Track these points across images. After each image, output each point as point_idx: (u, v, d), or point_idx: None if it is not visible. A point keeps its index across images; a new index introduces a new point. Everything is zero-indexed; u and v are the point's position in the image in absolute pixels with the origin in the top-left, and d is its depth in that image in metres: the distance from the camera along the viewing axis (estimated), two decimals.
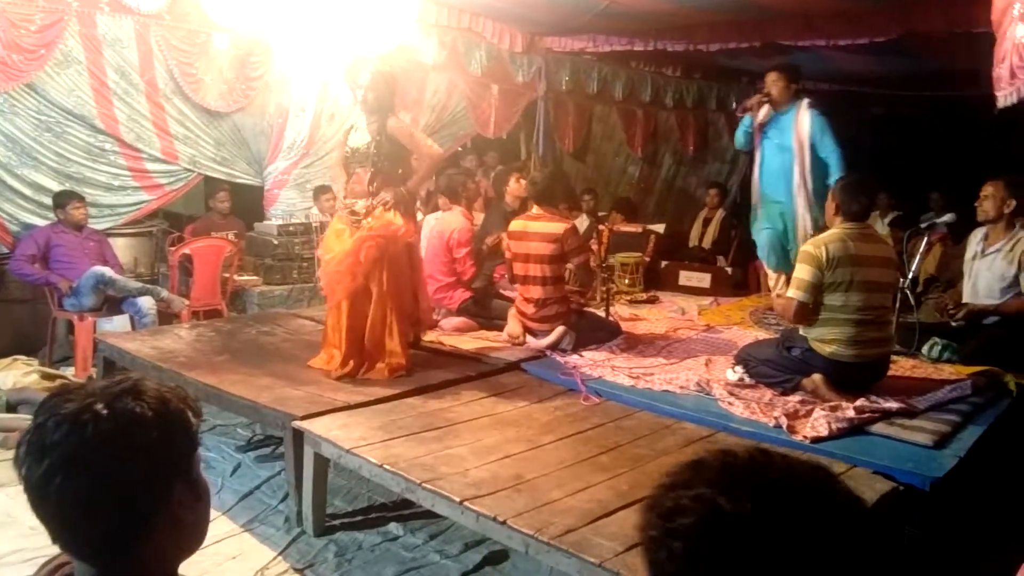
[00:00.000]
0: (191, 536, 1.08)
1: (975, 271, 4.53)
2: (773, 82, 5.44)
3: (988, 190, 4.45)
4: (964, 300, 4.61)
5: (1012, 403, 3.74)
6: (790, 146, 5.37)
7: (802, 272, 3.67)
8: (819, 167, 5.34)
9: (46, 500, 0.97)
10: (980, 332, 4.43)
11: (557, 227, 4.68)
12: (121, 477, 0.97)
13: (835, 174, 5.21)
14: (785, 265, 5.46)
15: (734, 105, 5.87)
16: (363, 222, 4.20)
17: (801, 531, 0.79)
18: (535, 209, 4.86)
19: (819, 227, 5.03)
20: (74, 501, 0.96)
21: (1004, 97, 2.59)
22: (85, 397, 1.00)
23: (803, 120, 5.32)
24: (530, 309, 4.76)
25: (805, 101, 5.40)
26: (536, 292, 4.73)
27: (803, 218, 5.38)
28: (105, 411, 0.98)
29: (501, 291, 5.60)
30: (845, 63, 7.60)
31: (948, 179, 4.71)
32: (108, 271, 5.41)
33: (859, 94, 9.47)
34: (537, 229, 4.72)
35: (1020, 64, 2.38)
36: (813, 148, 5.31)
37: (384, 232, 4.14)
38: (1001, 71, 2.59)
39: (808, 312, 3.67)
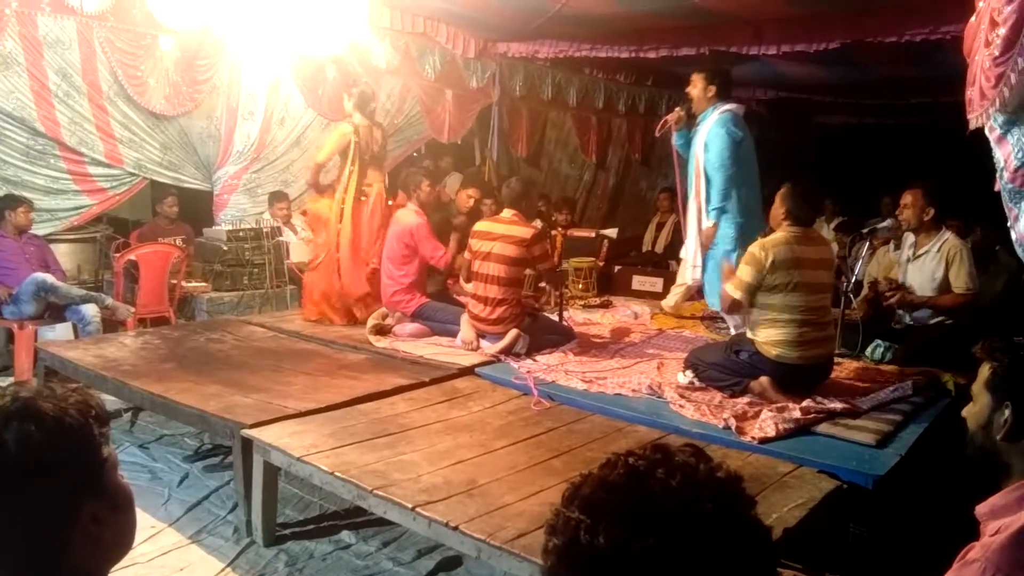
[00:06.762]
0: (113, 547, 1.06)
1: (907, 273, 4.67)
2: (692, 84, 5.08)
3: (907, 199, 4.59)
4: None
5: (951, 402, 3.85)
6: (694, 151, 5.07)
7: (744, 273, 3.79)
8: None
9: None
10: (918, 333, 4.56)
11: (525, 231, 4.72)
12: (18, 508, 0.93)
13: (713, 196, 4.89)
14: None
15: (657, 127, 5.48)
16: None
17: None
18: (506, 212, 4.87)
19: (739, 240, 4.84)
20: None
21: (975, 119, 2.63)
22: None
23: (707, 127, 4.97)
24: (484, 310, 4.76)
25: (720, 109, 4.94)
26: (491, 291, 4.73)
27: (693, 228, 5.10)
28: None
29: (456, 296, 5.59)
30: (792, 71, 7.76)
31: (898, 185, 4.79)
32: (49, 278, 5.26)
33: (806, 101, 9.69)
34: (504, 231, 4.73)
35: (988, 86, 2.42)
36: (704, 157, 4.96)
37: None
38: (971, 94, 2.64)
39: (742, 307, 3.90)
